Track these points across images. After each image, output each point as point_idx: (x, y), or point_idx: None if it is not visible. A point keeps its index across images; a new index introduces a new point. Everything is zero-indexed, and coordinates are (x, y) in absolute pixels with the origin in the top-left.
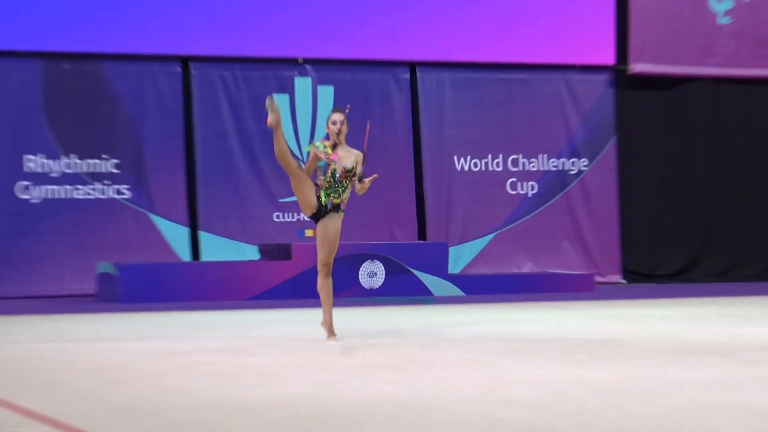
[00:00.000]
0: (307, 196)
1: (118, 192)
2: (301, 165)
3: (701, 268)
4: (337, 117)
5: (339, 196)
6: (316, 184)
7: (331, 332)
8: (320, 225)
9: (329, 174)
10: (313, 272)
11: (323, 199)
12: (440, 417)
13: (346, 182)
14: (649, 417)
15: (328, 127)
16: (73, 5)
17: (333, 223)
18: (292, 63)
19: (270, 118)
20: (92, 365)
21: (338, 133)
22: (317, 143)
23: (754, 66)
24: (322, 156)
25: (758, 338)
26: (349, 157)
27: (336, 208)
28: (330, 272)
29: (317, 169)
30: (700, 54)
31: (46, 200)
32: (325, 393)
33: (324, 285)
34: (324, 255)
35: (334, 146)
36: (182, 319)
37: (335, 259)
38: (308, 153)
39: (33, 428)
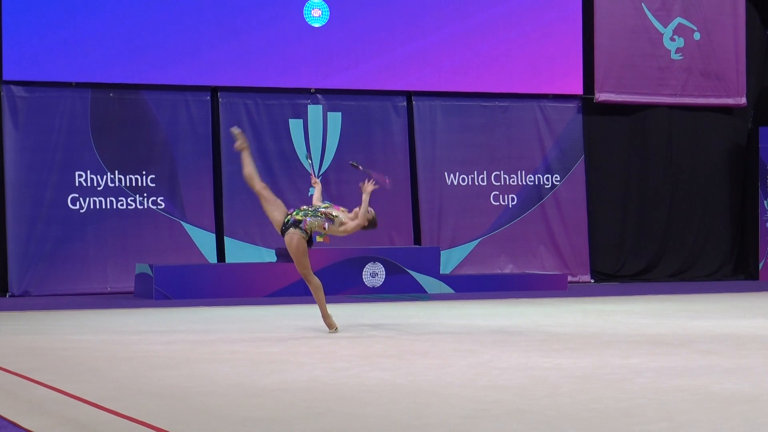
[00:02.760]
0: (274, 214)
1: (155, 203)
2: (267, 186)
3: (659, 269)
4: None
5: (305, 216)
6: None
7: (331, 325)
8: (285, 239)
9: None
10: (324, 274)
11: (291, 215)
12: (433, 400)
13: (320, 214)
14: (616, 400)
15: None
16: (118, 43)
17: (288, 238)
18: (305, 92)
19: (237, 143)
20: (129, 354)
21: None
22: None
23: (702, 95)
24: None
25: (710, 330)
26: (338, 211)
27: (296, 224)
28: (308, 277)
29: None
30: (656, 85)
31: (92, 210)
32: (333, 378)
33: (310, 288)
34: (296, 267)
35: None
36: (208, 314)
37: (342, 261)
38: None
39: (77, 409)
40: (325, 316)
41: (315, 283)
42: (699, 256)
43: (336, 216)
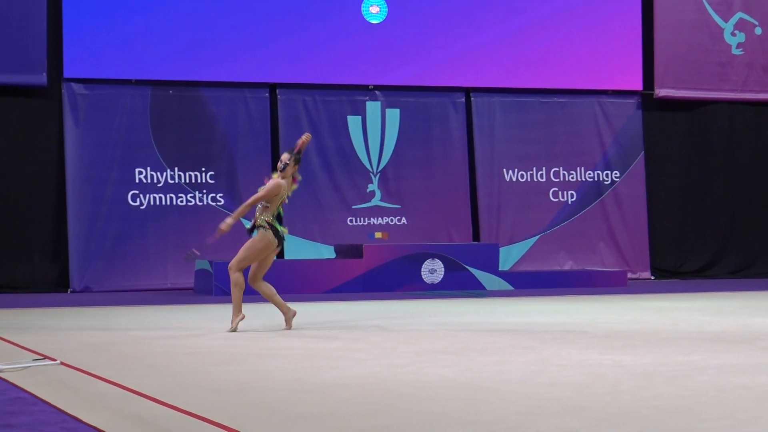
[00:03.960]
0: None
1: (214, 199)
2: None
3: (721, 265)
4: (283, 157)
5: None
6: (268, 223)
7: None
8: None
9: (280, 209)
10: (382, 271)
11: (284, 234)
12: (491, 397)
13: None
14: (677, 398)
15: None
16: (177, 41)
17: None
18: (363, 89)
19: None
20: (189, 350)
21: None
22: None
23: (763, 91)
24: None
25: None
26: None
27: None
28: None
29: (275, 206)
30: (717, 80)
31: (152, 206)
32: (391, 375)
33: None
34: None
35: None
36: (267, 310)
37: (401, 258)
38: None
39: (137, 404)
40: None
41: (235, 279)
42: (761, 252)
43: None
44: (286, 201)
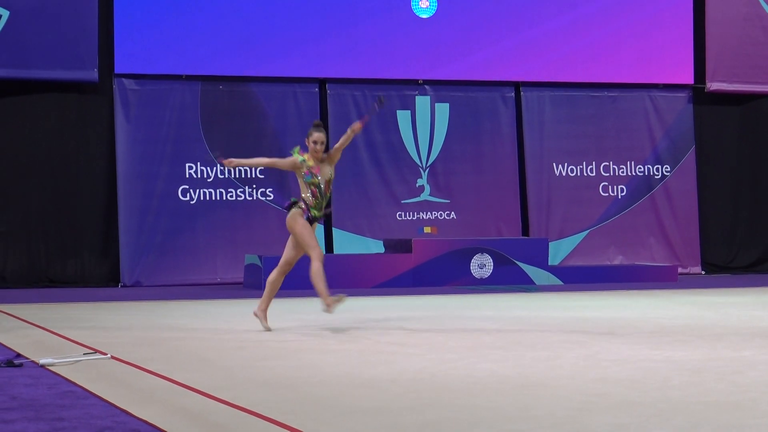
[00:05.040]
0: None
1: (263, 194)
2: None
3: None
4: (319, 137)
5: (320, 210)
6: (304, 201)
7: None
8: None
9: (315, 188)
10: (432, 265)
11: (317, 214)
12: (541, 392)
13: (329, 192)
14: (728, 393)
15: (308, 143)
16: (227, 36)
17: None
18: (413, 84)
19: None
20: (238, 344)
21: (316, 152)
22: (298, 155)
23: None
24: (301, 166)
25: None
26: (327, 168)
27: (315, 220)
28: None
29: (303, 183)
30: None
31: (202, 201)
32: (441, 370)
33: (280, 281)
34: (297, 256)
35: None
36: (316, 305)
37: (450, 252)
38: (291, 154)
39: (188, 398)
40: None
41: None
42: None
43: (331, 178)
44: (317, 181)
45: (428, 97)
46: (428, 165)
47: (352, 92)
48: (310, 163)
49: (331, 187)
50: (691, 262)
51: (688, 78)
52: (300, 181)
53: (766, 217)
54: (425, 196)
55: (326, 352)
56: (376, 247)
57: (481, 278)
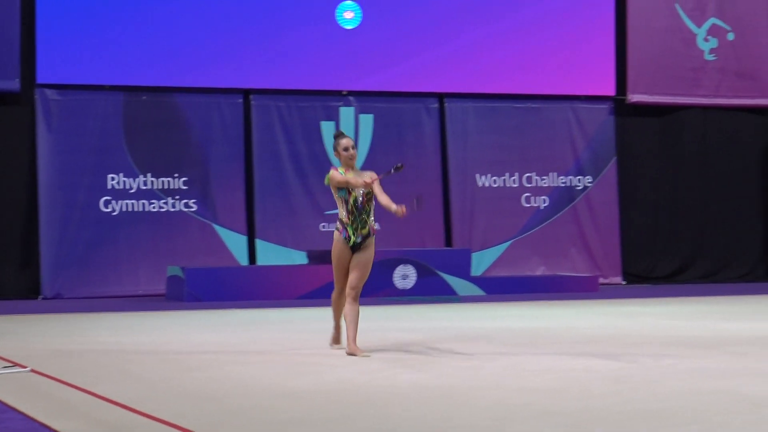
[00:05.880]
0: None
1: (186, 205)
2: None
3: (691, 270)
4: (348, 142)
5: (365, 225)
6: (340, 221)
7: (357, 350)
8: (355, 254)
9: (351, 204)
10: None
11: (353, 238)
12: (462, 402)
13: (368, 206)
14: (648, 402)
15: (338, 153)
16: (150, 46)
17: (368, 251)
18: (337, 95)
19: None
20: (161, 356)
21: (351, 158)
22: (335, 172)
23: (735, 96)
24: (343, 179)
25: (743, 333)
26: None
27: (366, 237)
28: (358, 296)
29: (339, 201)
30: (690, 86)
31: (124, 213)
32: (363, 381)
33: (352, 309)
34: (353, 278)
35: (347, 171)
36: (240, 316)
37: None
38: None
39: (109, 411)
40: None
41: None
42: (731, 257)
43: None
44: (352, 195)
45: (352, 108)
46: None
47: (276, 103)
48: (349, 176)
49: (372, 201)
50: (611, 272)
51: (609, 90)
52: (336, 197)
53: (686, 228)
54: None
55: (249, 364)
56: (299, 258)
57: (404, 289)
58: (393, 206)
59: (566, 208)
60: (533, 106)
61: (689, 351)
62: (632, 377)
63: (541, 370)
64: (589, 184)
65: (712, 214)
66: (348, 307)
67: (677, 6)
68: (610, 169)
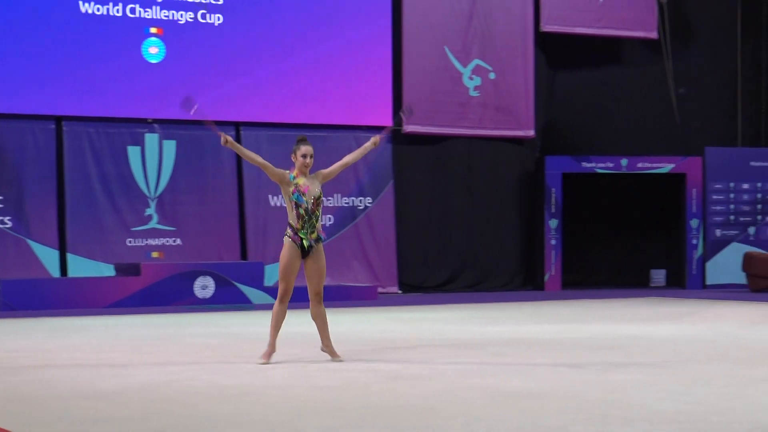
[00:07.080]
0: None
1: (2, 222)
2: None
3: (459, 280)
4: (308, 150)
5: (314, 229)
6: (290, 226)
7: (334, 353)
8: (308, 261)
9: (302, 212)
10: (157, 287)
11: (305, 242)
12: (257, 399)
13: (318, 211)
14: (420, 397)
15: (295, 157)
16: None
17: (321, 258)
18: (143, 122)
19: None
20: None
21: (306, 166)
22: (287, 171)
23: (496, 128)
24: (290, 183)
25: (502, 335)
26: (315, 185)
27: (317, 240)
28: (322, 299)
29: (289, 203)
30: (457, 118)
31: None
32: (166, 381)
33: (319, 312)
34: (314, 284)
35: (299, 176)
36: (52, 323)
37: (174, 275)
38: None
39: None
40: (330, 343)
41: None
42: (493, 269)
43: (319, 195)
44: (305, 200)
45: (157, 135)
46: (156, 196)
47: (86, 129)
48: (300, 180)
49: (320, 206)
50: (389, 282)
51: (387, 121)
52: (286, 201)
53: (454, 243)
54: (153, 224)
55: (59, 367)
56: (107, 270)
57: (204, 298)
58: (365, 145)
59: (349, 226)
60: (320, 134)
61: (458, 351)
62: (407, 375)
63: (325, 369)
64: (369, 204)
65: (476, 231)
66: (316, 310)
67: (446, 48)
68: (388, 191)
